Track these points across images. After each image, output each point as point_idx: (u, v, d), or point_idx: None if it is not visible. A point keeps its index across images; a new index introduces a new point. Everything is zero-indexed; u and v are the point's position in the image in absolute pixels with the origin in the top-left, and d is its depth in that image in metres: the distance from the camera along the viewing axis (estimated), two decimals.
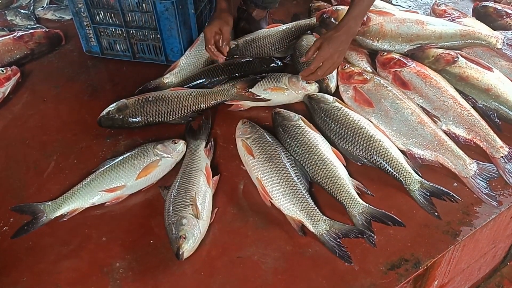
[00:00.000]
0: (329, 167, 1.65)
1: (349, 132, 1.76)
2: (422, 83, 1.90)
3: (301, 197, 1.57)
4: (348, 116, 1.81)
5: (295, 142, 1.75)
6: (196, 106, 1.96)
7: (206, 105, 1.98)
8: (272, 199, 1.59)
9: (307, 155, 1.70)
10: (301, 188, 1.59)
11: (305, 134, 1.76)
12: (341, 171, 1.65)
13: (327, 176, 1.64)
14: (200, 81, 2.08)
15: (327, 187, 1.63)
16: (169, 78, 2.16)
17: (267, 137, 1.75)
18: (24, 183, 1.77)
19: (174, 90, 2.00)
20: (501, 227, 1.77)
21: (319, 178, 1.65)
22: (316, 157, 1.69)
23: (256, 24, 2.45)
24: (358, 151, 1.73)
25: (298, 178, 1.62)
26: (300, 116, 1.85)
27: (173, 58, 2.32)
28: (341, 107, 1.85)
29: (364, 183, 1.66)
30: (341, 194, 1.60)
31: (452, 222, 1.56)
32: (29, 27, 2.67)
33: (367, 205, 1.57)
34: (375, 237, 1.50)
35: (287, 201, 1.57)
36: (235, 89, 1.98)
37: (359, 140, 1.74)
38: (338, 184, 1.62)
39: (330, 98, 1.90)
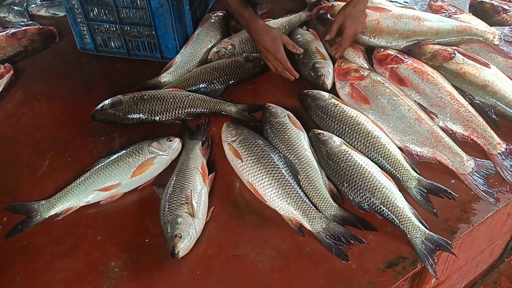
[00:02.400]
0: (304, 166, 1.65)
1: (346, 128, 1.75)
2: (419, 79, 1.89)
3: (295, 196, 1.56)
4: (345, 113, 1.80)
5: (278, 139, 1.74)
6: (192, 109, 1.94)
7: (203, 111, 1.96)
8: (266, 201, 1.58)
9: (287, 153, 1.69)
10: (295, 186, 1.58)
11: (286, 131, 1.75)
12: (315, 172, 1.64)
13: (302, 175, 1.63)
14: (198, 87, 2.07)
15: (303, 186, 1.62)
16: (165, 77, 2.15)
17: (254, 137, 1.73)
18: (18, 182, 1.75)
19: (171, 91, 1.99)
20: (498, 224, 1.77)
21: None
22: (293, 155, 1.68)
23: None
24: (356, 147, 1.71)
25: (290, 176, 1.61)
26: (288, 112, 1.84)
27: (168, 54, 2.30)
28: (338, 103, 1.84)
29: None
30: (313, 194, 1.59)
31: (449, 219, 1.56)
32: (22, 24, 2.64)
33: (340, 207, 1.56)
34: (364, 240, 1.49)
35: (282, 201, 1.56)
36: (235, 108, 1.96)
37: (357, 136, 1.73)
38: (311, 185, 1.61)
39: (326, 94, 1.89)
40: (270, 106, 1.87)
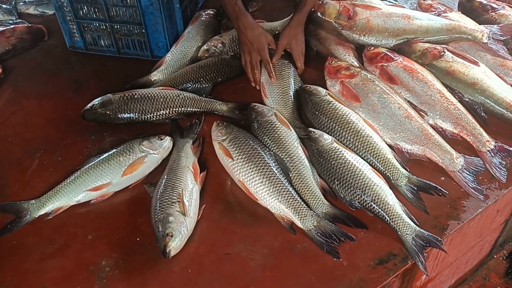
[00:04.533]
0: (296, 164, 1.65)
1: (336, 126, 1.76)
2: (409, 77, 1.90)
3: (286, 194, 1.56)
4: (337, 110, 1.80)
5: (268, 138, 1.74)
6: (183, 108, 1.94)
7: (194, 110, 1.96)
8: (258, 200, 1.58)
9: (278, 151, 1.70)
10: (286, 184, 1.59)
11: (276, 130, 1.75)
12: (306, 170, 1.65)
13: (293, 173, 1.63)
14: (185, 85, 2.06)
15: (294, 184, 1.62)
16: (156, 75, 2.14)
17: (244, 136, 1.73)
18: (7, 181, 1.74)
19: (161, 90, 1.98)
20: (487, 221, 1.79)
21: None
22: (284, 153, 1.68)
23: None
24: (347, 146, 1.72)
25: (281, 174, 1.61)
26: (275, 110, 1.84)
27: (159, 53, 2.29)
28: (331, 101, 1.84)
29: None
30: (305, 192, 1.60)
31: (439, 216, 1.57)
32: (10, 22, 2.61)
33: (331, 205, 1.57)
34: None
35: (273, 199, 1.56)
36: (226, 107, 1.96)
37: (347, 135, 1.74)
38: (303, 182, 1.61)
39: (322, 91, 1.89)
40: (256, 105, 1.87)
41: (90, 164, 1.68)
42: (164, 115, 1.93)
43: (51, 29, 2.51)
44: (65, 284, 1.42)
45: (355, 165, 1.62)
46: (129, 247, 1.51)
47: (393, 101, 1.81)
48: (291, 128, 1.78)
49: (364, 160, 1.68)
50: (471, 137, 1.76)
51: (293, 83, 2.01)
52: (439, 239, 1.46)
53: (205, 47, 2.24)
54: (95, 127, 1.93)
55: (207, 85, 2.08)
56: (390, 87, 1.89)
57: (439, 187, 1.60)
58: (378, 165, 1.67)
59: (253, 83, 2.09)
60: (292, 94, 1.97)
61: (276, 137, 1.73)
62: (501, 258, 2.37)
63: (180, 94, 1.96)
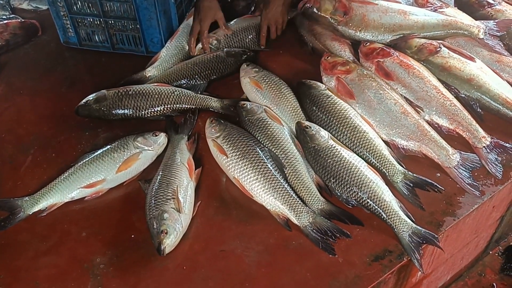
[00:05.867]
0: (291, 160, 1.65)
1: (334, 120, 1.75)
2: (405, 73, 1.89)
3: (282, 190, 1.55)
4: (335, 105, 1.79)
5: (262, 135, 1.74)
6: (178, 105, 1.93)
7: (189, 107, 1.94)
8: (253, 196, 1.58)
9: (272, 148, 1.69)
10: (281, 180, 1.58)
11: (268, 127, 1.75)
12: (302, 166, 1.64)
13: (288, 169, 1.63)
14: (179, 82, 2.06)
15: (289, 180, 1.61)
16: (151, 71, 2.13)
17: (238, 132, 1.72)
18: (0, 178, 1.72)
19: (156, 86, 1.97)
20: (483, 217, 1.79)
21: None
22: (279, 150, 1.68)
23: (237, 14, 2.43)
24: (342, 141, 1.72)
25: (276, 171, 1.60)
26: (264, 107, 1.83)
27: (153, 49, 2.28)
28: (330, 95, 1.83)
29: None
30: (300, 188, 1.59)
31: (435, 212, 1.57)
32: (4, 17, 2.59)
33: (327, 201, 1.56)
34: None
35: (268, 196, 1.55)
36: (221, 104, 1.95)
37: (344, 130, 1.73)
38: (298, 179, 1.61)
39: (321, 85, 1.89)
40: (244, 104, 1.85)
41: (84, 161, 1.67)
42: (159, 112, 1.91)
43: (44, 25, 2.49)
44: (59, 281, 1.41)
45: (351, 162, 1.61)
46: (124, 244, 1.50)
47: (389, 97, 1.80)
48: (283, 124, 1.78)
49: (360, 156, 1.67)
50: (467, 133, 1.76)
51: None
52: (436, 236, 1.46)
53: (200, 45, 2.22)
54: (89, 123, 1.91)
55: (201, 82, 2.07)
56: (386, 83, 1.88)
57: (435, 183, 1.60)
58: (374, 161, 1.67)
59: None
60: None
61: (269, 134, 1.72)
62: (496, 254, 2.38)
63: (175, 90, 1.95)
